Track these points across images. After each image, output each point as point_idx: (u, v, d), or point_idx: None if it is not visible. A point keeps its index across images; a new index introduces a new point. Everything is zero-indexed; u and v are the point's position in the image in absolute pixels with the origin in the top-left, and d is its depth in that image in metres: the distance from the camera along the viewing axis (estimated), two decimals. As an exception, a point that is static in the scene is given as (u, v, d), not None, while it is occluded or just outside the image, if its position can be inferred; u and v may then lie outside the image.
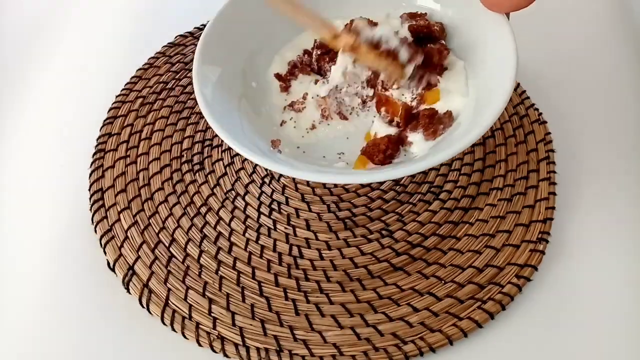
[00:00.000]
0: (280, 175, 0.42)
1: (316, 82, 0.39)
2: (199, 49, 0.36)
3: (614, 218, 0.39)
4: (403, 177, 0.41)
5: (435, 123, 0.34)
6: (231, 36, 0.38)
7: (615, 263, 0.37)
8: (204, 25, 0.49)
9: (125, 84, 0.47)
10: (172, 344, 0.35)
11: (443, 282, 0.36)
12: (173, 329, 0.35)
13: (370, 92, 0.37)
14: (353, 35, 0.35)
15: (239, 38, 0.38)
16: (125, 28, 0.54)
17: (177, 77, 0.48)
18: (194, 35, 0.51)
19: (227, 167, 0.42)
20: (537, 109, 0.43)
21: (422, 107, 0.36)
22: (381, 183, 0.41)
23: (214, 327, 0.34)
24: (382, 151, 0.34)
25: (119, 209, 0.40)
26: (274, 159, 0.34)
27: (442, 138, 0.34)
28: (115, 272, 0.37)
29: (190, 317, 0.35)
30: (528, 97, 0.44)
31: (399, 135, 0.35)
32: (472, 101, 0.35)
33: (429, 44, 0.37)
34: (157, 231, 0.39)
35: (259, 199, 0.41)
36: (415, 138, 0.35)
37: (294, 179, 0.41)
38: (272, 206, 0.40)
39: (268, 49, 0.40)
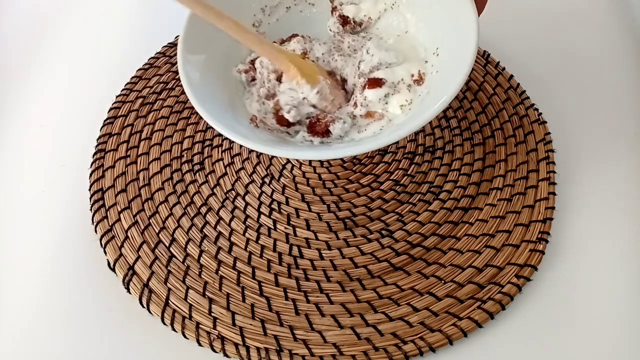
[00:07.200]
0: (280, 175, 0.42)
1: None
2: (181, 39, 0.36)
3: (614, 218, 0.39)
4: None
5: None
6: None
7: (614, 263, 0.37)
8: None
9: (126, 84, 0.47)
10: (172, 344, 0.35)
11: (443, 282, 0.36)
12: (173, 329, 0.35)
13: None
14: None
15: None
16: (125, 28, 0.54)
17: (177, 77, 0.48)
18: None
19: (227, 167, 0.42)
20: (537, 109, 0.43)
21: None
22: (379, 179, 0.41)
23: (214, 327, 0.34)
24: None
25: (119, 209, 0.40)
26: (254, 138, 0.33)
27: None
28: (115, 272, 0.37)
29: (191, 317, 0.35)
30: (528, 97, 0.44)
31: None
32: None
33: None
34: (157, 231, 0.39)
35: (259, 198, 0.41)
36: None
37: (294, 178, 0.41)
38: (272, 206, 0.40)
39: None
